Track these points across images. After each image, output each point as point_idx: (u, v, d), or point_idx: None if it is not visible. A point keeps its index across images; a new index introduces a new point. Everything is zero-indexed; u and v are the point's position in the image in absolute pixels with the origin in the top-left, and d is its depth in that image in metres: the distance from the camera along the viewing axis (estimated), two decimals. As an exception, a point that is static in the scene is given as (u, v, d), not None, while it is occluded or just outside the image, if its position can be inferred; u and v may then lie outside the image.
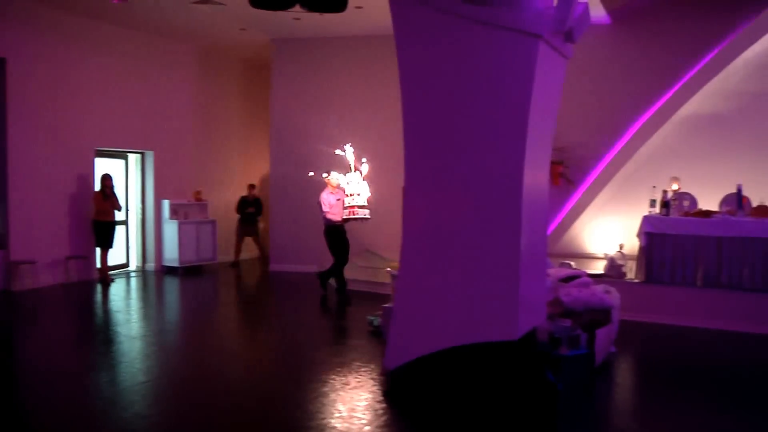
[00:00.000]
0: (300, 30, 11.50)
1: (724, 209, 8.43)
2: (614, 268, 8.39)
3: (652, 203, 8.47)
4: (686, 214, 8.26)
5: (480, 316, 4.90)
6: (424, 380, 5.15)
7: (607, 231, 10.24)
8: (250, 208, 13.10)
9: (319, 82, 12.17)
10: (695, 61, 9.82)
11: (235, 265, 13.05)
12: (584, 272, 6.64)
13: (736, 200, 8.24)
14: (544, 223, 5.56)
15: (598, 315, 5.90)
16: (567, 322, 5.53)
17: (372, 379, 5.62)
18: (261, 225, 13.63)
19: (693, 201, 8.83)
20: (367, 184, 9.39)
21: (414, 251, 5.21)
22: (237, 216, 13.08)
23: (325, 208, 9.59)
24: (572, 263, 7.76)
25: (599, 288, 6.28)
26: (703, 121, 10.04)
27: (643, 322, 7.81)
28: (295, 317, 8.58)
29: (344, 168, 9.66)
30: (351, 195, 9.24)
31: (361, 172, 9.42)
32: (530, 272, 5.06)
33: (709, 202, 8.88)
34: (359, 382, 5.58)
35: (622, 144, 10.16)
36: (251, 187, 13.34)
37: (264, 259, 13.21)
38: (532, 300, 5.18)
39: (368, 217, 9.34)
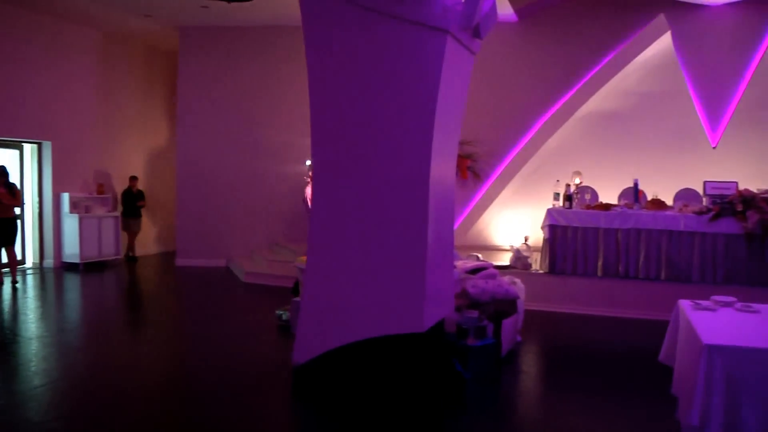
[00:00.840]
0: (209, 18, 11.21)
1: (623, 202, 8.80)
2: (520, 259, 8.62)
3: (556, 196, 8.75)
4: (588, 207, 8.58)
5: (388, 309, 4.92)
6: (333, 374, 5.15)
7: (512, 223, 10.53)
8: (140, 202, 12.57)
9: (228, 72, 11.91)
10: (596, 61, 10.23)
11: (132, 259, 12.61)
12: (491, 264, 6.77)
13: (633, 194, 8.62)
14: (450, 216, 5.64)
15: (504, 305, 6.03)
16: (474, 313, 5.63)
17: (280, 374, 5.56)
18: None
19: (594, 194, 9.17)
20: None
21: (321, 244, 5.17)
22: (130, 209, 12.50)
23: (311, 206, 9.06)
24: (479, 255, 7.91)
25: (505, 279, 6.43)
26: (603, 119, 10.46)
27: (548, 311, 8.08)
28: (202, 313, 8.37)
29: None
30: None
31: None
32: (437, 265, 5.12)
33: (608, 195, 9.27)
34: (267, 377, 5.52)
35: (528, 139, 10.45)
36: (133, 179, 12.66)
37: (133, 257, 12.76)
38: (440, 292, 5.25)
39: None
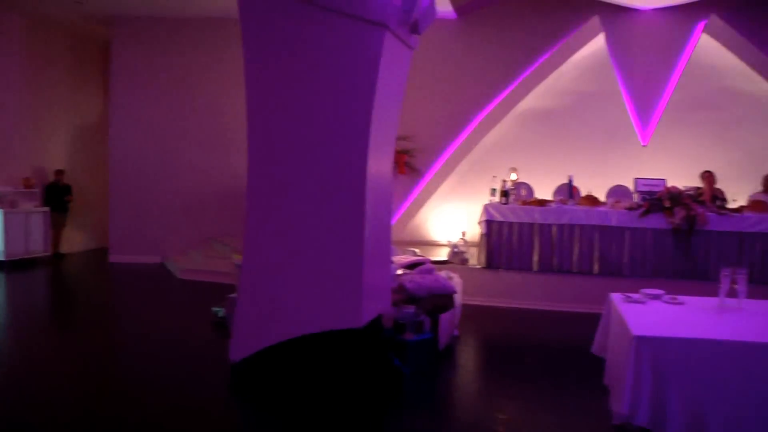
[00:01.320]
0: (143, 8, 10.91)
1: (558, 198, 8.99)
2: (457, 254, 8.71)
3: (493, 192, 8.86)
4: (524, 202, 8.71)
5: (325, 305, 4.90)
6: (271, 371, 5.09)
7: (450, 219, 10.62)
8: (67, 196, 12.14)
9: (163, 63, 11.61)
10: (533, 59, 10.42)
11: (59, 256, 12.16)
12: (428, 259, 6.82)
13: (568, 190, 8.81)
14: (388, 212, 5.65)
15: (442, 300, 6.07)
16: (411, 308, 5.66)
17: (216, 372, 5.47)
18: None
19: (530, 190, 9.33)
20: None
21: (257, 240, 5.11)
22: (55, 203, 11.99)
23: None
24: (417, 250, 7.95)
25: (442, 274, 6.47)
26: (539, 116, 10.66)
27: (485, 305, 8.18)
28: (135, 311, 8.17)
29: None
30: None
31: None
32: (375, 260, 5.12)
33: (544, 191, 9.44)
34: (203, 375, 5.42)
35: (466, 135, 10.56)
36: (59, 172, 12.18)
37: (60, 253, 12.34)
38: (377, 287, 5.25)
39: None
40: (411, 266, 6.40)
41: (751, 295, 4.58)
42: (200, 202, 11.52)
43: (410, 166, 10.26)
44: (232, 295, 6.46)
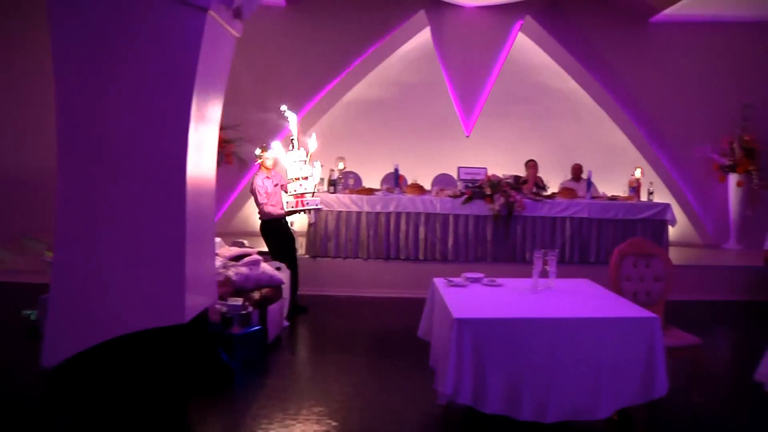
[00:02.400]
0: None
1: (384, 187, 9.15)
2: (286, 245, 8.60)
3: (320, 181, 8.83)
4: (351, 191, 8.77)
5: (146, 302, 4.61)
6: (90, 375, 4.74)
7: (280, 209, 10.48)
8: None
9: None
10: (361, 50, 10.51)
11: None
12: (255, 250, 6.67)
13: (394, 179, 8.99)
14: (210, 203, 5.41)
15: (269, 292, 5.98)
16: (238, 301, 5.52)
17: (29, 379, 5.01)
18: None
19: (357, 179, 9.42)
20: (318, 166, 7.40)
21: (70, 237, 4.70)
22: None
23: (261, 199, 7.15)
24: (245, 242, 7.76)
25: (270, 265, 6.37)
26: (367, 106, 10.79)
27: (315, 294, 8.11)
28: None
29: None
30: (298, 179, 6.85)
31: (307, 150, 6.99)
32: (198, 253, 4.91)
33: (371, 180, 9.58)
34: (14, 384, 5.02)
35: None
36: None
37: None
38: (201, 281, 5.04)
39: (321, 207, 7.38)
40: (237, 258, 6.23)
41: (562, 275, 4.89)
42: (9, 196, 10.51)
43: (238, 156, 10.01)
44: (45, 296, 5.94)
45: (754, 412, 4.86)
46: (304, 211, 7.16)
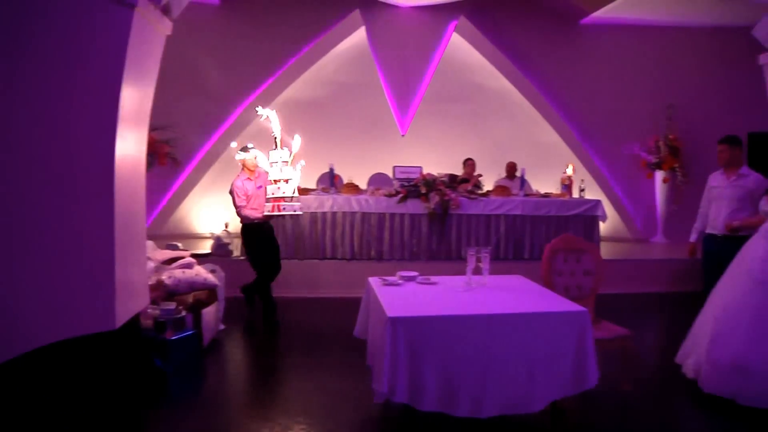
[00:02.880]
0: None
1: (320, 187, 9.11)
2: (220, 246, 8.48)
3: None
4: (286, 192, 8.68)
5: (73, 309, 4.47)
6: (12, 390, 4.55)
7: (214, 210, 10.34)
8: None
9: None
10: (296, 49, 10.45)
11: None
12: (188, 253, 6.55)
13: (330, 179, 8.95)
14: (141, 205, 5.29)
15: (203, 295, 5.89)
16: (171, 305, 5.41)
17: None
18: None
19: (293, 179, 9.34)
20: (299, 168, 6.68)
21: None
22: None
23: (238, 201, 6.81)
24: (179, 244, 7.61)
25: (204, 268, 6.26)
26: (302, 106, 10.72)
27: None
28: None
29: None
30: (276, 182, 6.40)
31: (290, 150, 6.50)
32: (128, 257, 4.79)
33: (307, 180, 9.50)
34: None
35: (229, 124, 10.33)
36: None
37: None
38: (132, 286, 4.92)
39: (299, 212, 6.82)
40: (170, 261, 6.10)
41: (497, 271, 4.96)
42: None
43: (171, 157, 9.81)
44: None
45: (676, 396, 5.05)
46: (282, 216, 6.81)
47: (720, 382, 4.70)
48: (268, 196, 6.47)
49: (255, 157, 6.88)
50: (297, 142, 6.63)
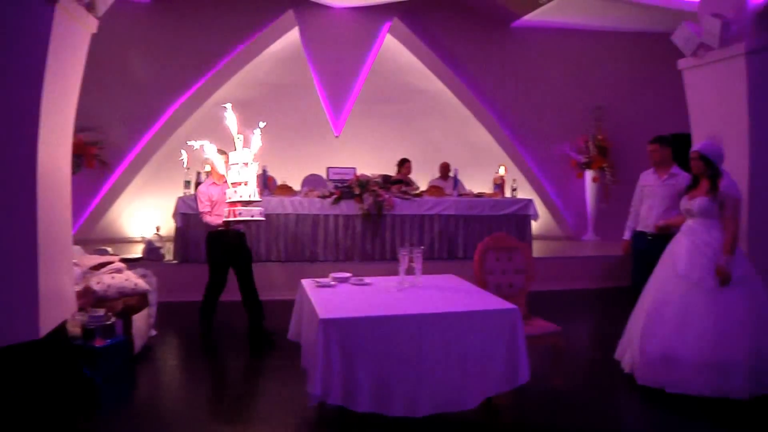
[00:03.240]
0: None
1: (253, 190, 8.98)
2: (152, 250, 8.28)
3: (187, 184, 8.57)
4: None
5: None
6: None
7: (145, 214, 10.13)
8: None
9: None
10: (229, 49, 10.33)
11: None
12: (117, 257, 6.38)
13: (262, 180, 8.83)
14: (66, 209, 5.12)
15: (134, 300, 5.74)
16: (100, 312, 5.27)
17: None
18: None
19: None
20: (256, 167, 5.84)
21: None
22: None
23: (201, 207, 6.22)
24: (109, 249, 7.41)
25: (134, 272, 6.11)
26: (235, 107, 10.52)
27: (183, 301, 7.82)
28: None
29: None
30: (234, 185, 5.65)
31: (249, 148, 5.76)
32: (53, 263, 4.64)
33: (242, 182, 9.40)
34: None
35: (159, 125, 10.13)
36: None
37: None
38: (58, 293, 4.77)
39: (261, 218, 5.89)
40: (98, 266, 5.93)
41: (431, 271, 5.01)
42: None
43: (100, 159, 9.55)
44: None
45: (608, 389, 5.21)
46: (242, 222, 5.91)
47: (651, 373, 4.93)
48: (226, 200, 5.78)
49: (214, 158, 6.15)
50: (257, 138, 5.85)
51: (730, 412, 4.55)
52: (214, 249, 6.33)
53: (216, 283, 6.41)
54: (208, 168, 6.49)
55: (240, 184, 5.61)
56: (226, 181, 5.90)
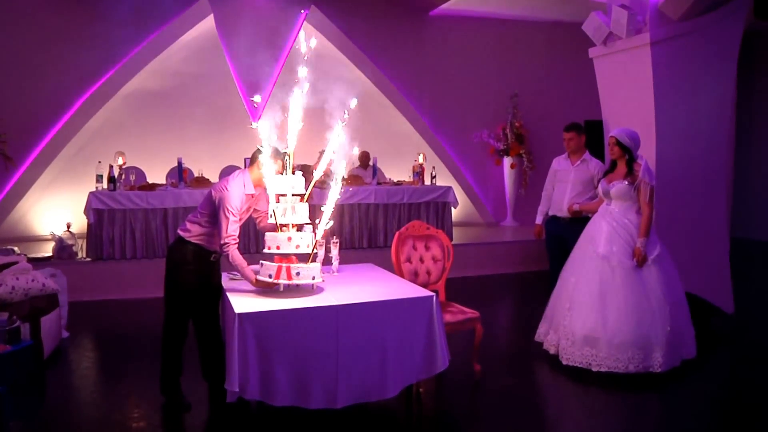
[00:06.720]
0: None
1: (169, 182, 8.77)
2: (63, 248, 7.94)
3: (99, 179, 8.26)
4: (132, 188, 8.24)
5: None
6: None
7: (55, 210, 9.73)
8: None
9: None
10: (139, 39, 9.96)
11: None
12: (22, 257, 6.10)
13: (178, 173, 8.61)
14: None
15: (42, 302, 5.50)
16: (4, 315, 5.00)
17: None
18: None
19: (141, 175, 8.95)
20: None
21: None
22: None
23: (231, 227, 4.27)
24: (15, 248, 7.09)
25: (42, 272, 5.84)
26: (148, 98, 10.29)
27: (97, 300, 7.58)
28: None
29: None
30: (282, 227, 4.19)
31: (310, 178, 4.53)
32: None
33: (156, 175, 9.15)
34: None
35: (67, 118, 9.73)
36: None
37: None
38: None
39: (321, 280, 4.23)
40: (3, 267, 5.65)
41: (352, 260, 4.98)
42: None
43: (3, 154, 9.10)
44: None
45: (530, 371, 5.36)
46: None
47: (575, 353, 5.11)
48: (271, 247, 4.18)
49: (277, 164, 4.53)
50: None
51: (650, 385, 4.80)
52: (192, 276, 4.43)
53: (179, 328, 4.61)
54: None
55: (288, 227, 4.20)
56: (264, 190, 4.48)
